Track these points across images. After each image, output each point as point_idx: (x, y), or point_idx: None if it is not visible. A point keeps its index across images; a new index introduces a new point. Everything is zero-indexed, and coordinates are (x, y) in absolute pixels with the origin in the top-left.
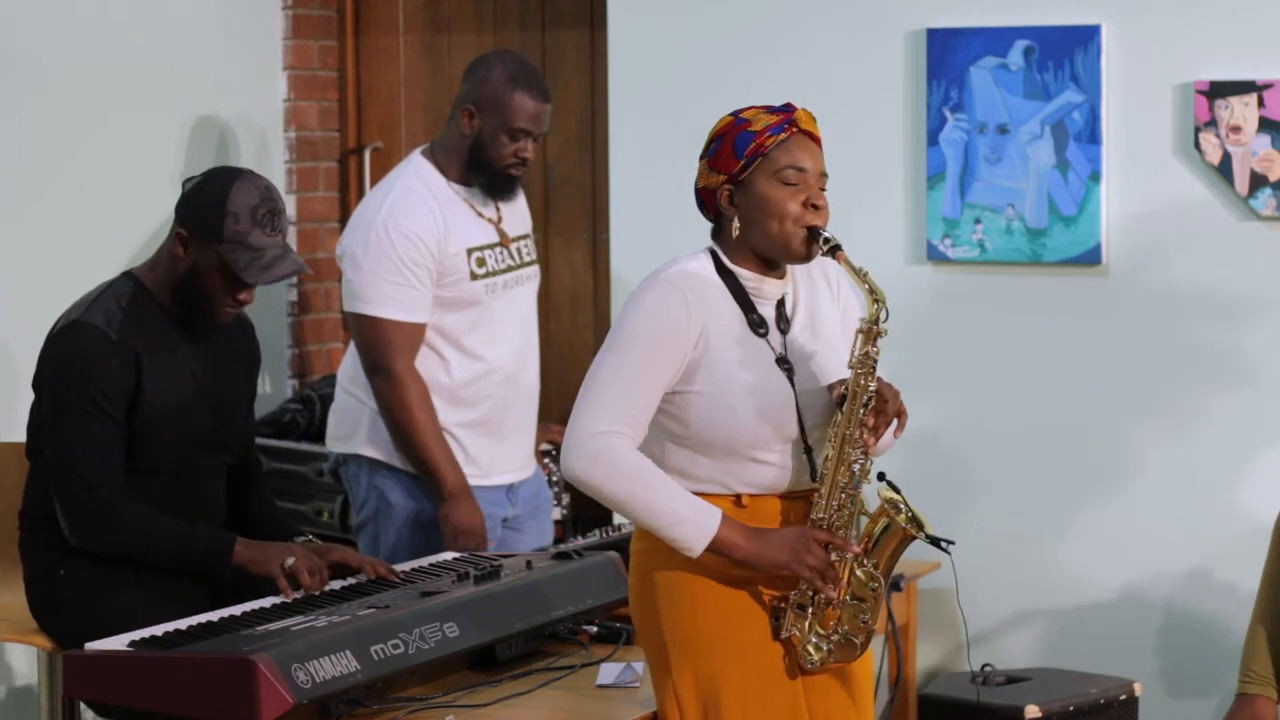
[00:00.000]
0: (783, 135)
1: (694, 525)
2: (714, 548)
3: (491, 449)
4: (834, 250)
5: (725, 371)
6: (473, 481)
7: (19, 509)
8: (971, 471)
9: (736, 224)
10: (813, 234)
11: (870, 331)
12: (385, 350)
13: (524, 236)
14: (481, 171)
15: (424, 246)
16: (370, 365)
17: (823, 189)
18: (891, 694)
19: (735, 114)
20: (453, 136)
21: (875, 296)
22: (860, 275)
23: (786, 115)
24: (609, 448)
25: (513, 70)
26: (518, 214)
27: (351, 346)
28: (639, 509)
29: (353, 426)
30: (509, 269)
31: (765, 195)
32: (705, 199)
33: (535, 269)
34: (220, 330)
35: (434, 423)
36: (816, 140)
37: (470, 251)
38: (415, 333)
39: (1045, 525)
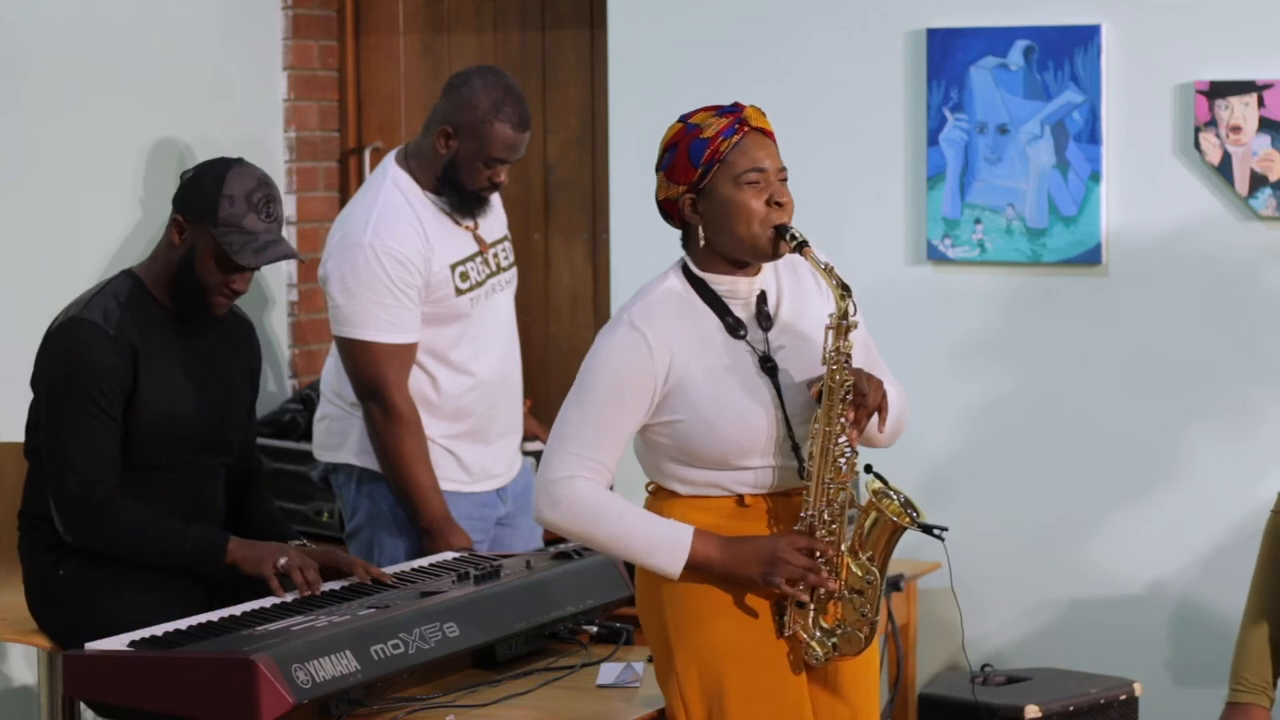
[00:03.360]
0: (736, 137)
1: (666, 552)
2: (691, 567)
3: (482, 455)
4: (800, 247)
5: (702, 396)
6: (465, 489)
7: (18, 509)
8: (971, 471)
9: (702, 232)
10: (780, 232)
11: (840, 326)
12: (380, 376)
13: (501, 240)
14: (453, 191)
15: (412, 266)
16: (365, 391)
17: (783, 181)
18: (891, 694)
19: (684, 120)
20: (427, 150)
21: (842, 291)
22: (826, 270)
23: (736, 115)
24: (570, 492)
25: (495, 97)
26: (494, 217)
27: (334, 355)
28: (610, 546)
29: (341, 437)
30: (488, 277)
31: (728, 200)
32: (668, 210)
33: (513, 272)
34: (220, 329)
35: (423, 452)
36: (770, 135)
37: (454, 267)
38: (408, 353)
39: (1045, 525)
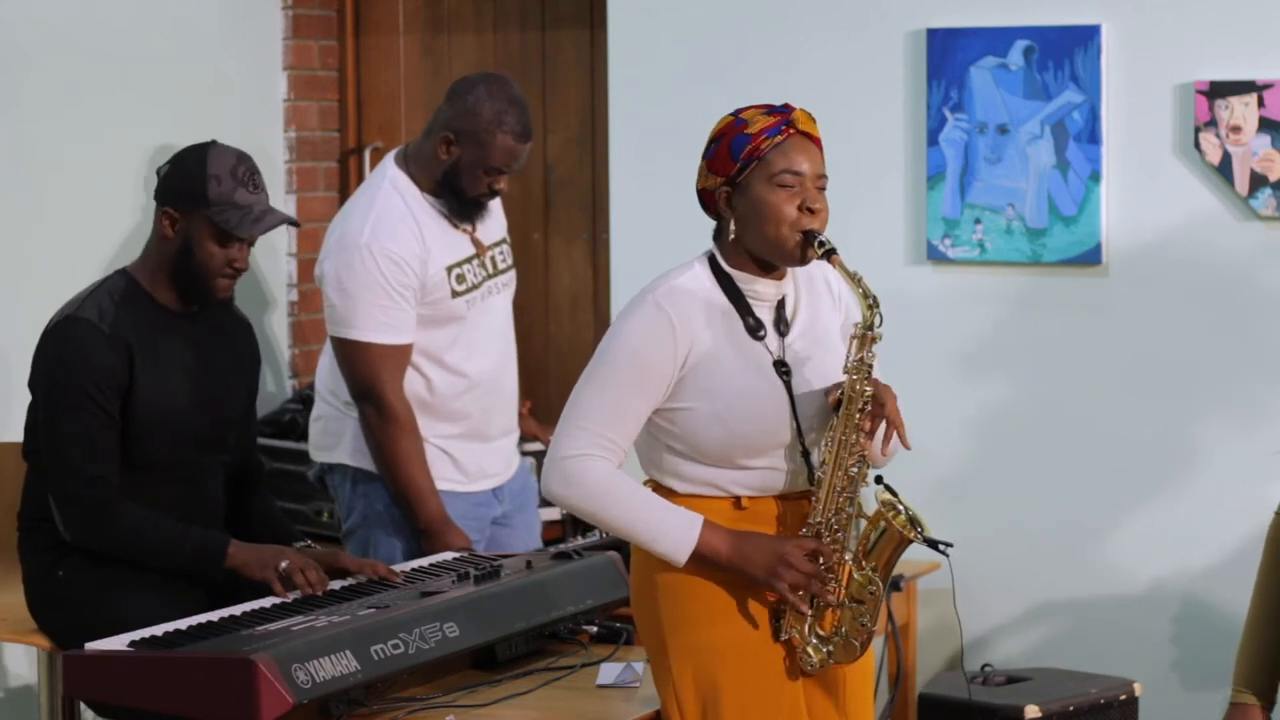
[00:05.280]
0: (779, 138)
1: (674, 538)
2: (698, 555)
3: (478, 456)
4: (829, 254)
5: (717, 386)
6: (461, 488)
7: (18, 510)
8: (971, 471)
9: (733, 226)
10: (808, 238)
11: (865, 336)
12: (375, 377)
13: (499, 243)
14: (452, 196)
15: (409, 268)
16: (360, 392)
17: (821, 189)
18: (891, 694)
19: (735, 114)
20: (427, 154)
21: (869, 301)
22: (855, 279)
23: (784, 116)
24: (582, 470)
25: (499, 107)
26: (493, 220)
27: (328, 354)
28: (618, 526)
29: (336, 437)
30: (485, 280)
31: (761, 199)
32: (706, 200)
33: (511, 275)
34: (217, 328)
35: (419, 452)
36: (815, 141)
37: (450, 269)
38: (403, 354)
39: (1045, 525)
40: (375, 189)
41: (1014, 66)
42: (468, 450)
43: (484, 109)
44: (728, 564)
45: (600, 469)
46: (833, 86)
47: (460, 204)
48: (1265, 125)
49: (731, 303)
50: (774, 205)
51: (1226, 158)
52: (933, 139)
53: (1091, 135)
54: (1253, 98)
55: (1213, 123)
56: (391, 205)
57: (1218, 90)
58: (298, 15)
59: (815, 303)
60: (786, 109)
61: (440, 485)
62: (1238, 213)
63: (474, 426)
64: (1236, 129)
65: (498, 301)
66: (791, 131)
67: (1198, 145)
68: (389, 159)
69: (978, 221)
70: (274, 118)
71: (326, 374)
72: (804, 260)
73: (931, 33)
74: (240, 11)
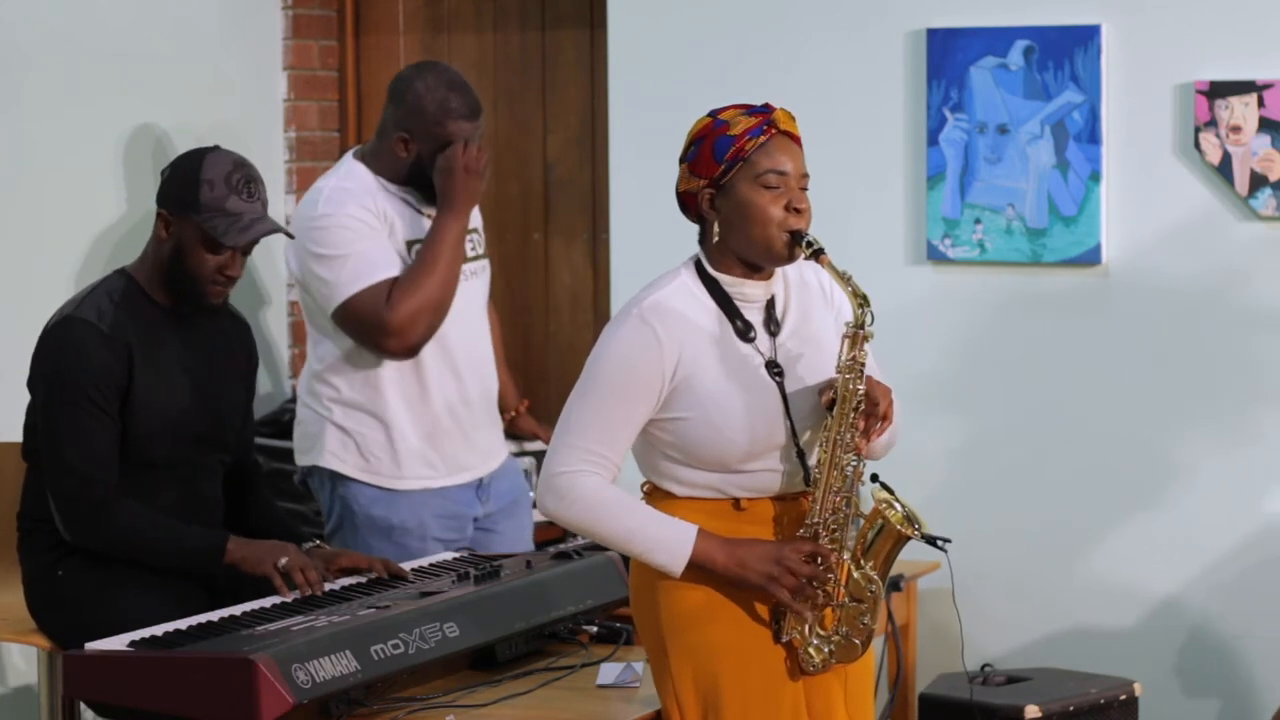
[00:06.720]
0: (762, 138)
1: (669, 549)
2: (694, 565)
3: (454, 446)
4: (817, 254)
5: (709, 394)
6: (438, 482)
7: (18, 510)
8: (971, 471)
9: (717, 229)
10: (795, 238)
11: (856, 335)
12: (377, 310)
13: (470, 231)
14: (425, 187)
15: (370, 218)
16: (374, 340)
17: (804, 189)
18: (891, 694)
19: (713, 115)
20: (387, 153)
21: (859, 300)
22: (844, 279)
23: (765, 116)
24: (574, 485)
25: (441, 95)
26: None
27: (309, 359)
28: (613, 540)
29: (314, 440)
30: None
31: (746, 200)
32: (687, 203)
33: (484, 264)
34: (216, 328)
35: (418, 269)
36: (796, 140)
37: (410, 244)
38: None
39: (1045, 525)
40: (328, 177)
41: (1014, 66)
42: (441, 443)
43: (426, 103)
44: (724, 572)
45: (592, 484)
46: (833, 86)
47: (434, 191)
48: (1265, 125)
49: (720, 307)
50: (760, 206)
51: (1226, 158)
52: (933, 139)
53: (1091, 135)
54: (1253, 98)
55: (1213, 123)
56: (344, 186)
57: (1218, 90)
58: (298, 15)
59: (806, 301)
60: (767, 109)
61: (415, 483)
62: (1238, 213)
63: (450, 412)
64: (1236, 129)
65: (468, 288)
66: (774, 131)
67: (1198, 145)
68: (347, 156)
69: (978, 221)
70: (274, 118)
71: (306, 378)
72: (791, 260)
73: (931, 33)
74: (240, 11)
